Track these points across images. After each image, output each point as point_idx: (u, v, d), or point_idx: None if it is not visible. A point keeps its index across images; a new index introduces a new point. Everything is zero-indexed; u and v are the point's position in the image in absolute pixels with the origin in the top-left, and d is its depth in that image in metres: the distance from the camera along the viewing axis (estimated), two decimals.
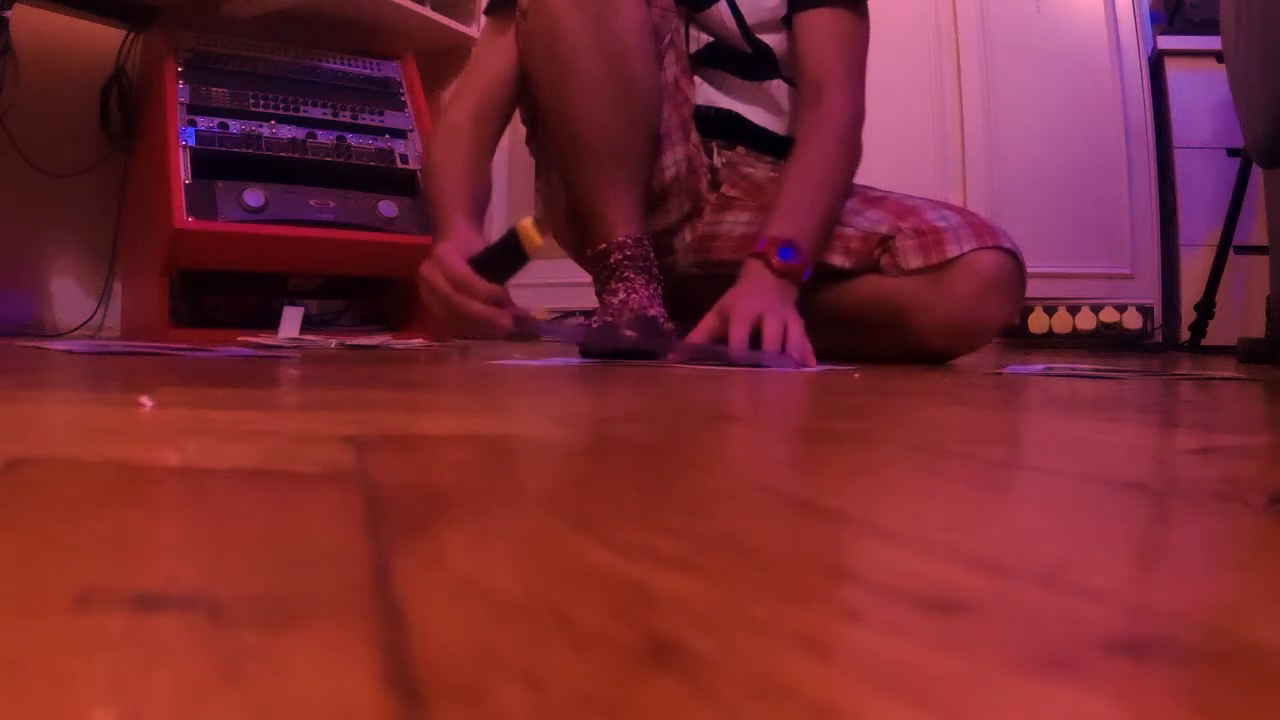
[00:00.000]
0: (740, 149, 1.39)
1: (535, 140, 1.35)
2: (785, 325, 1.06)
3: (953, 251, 1.18)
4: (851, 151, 1.26)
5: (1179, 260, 2.70)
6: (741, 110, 1.37)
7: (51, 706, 0.11)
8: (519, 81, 1.27)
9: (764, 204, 1.34)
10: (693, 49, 1.34)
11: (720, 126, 1.37)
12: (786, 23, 1.32)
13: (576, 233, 1.37)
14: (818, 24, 1.28)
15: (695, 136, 1.32)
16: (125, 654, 0.12)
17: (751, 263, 1.15)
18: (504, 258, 1.08)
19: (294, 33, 2.05)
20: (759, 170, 1.38)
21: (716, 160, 1.37)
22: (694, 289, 1.26)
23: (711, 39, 1.35)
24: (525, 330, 1.10)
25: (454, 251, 1.09)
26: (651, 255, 1.21)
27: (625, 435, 0.41)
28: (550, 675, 0.12)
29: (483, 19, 1.40)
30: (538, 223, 1.06)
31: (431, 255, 1.12)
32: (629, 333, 1.12)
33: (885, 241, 1.21)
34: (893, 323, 1.22)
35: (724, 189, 1.37)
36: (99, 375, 0.76)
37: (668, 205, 1.30)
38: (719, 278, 1.29)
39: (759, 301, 1.08)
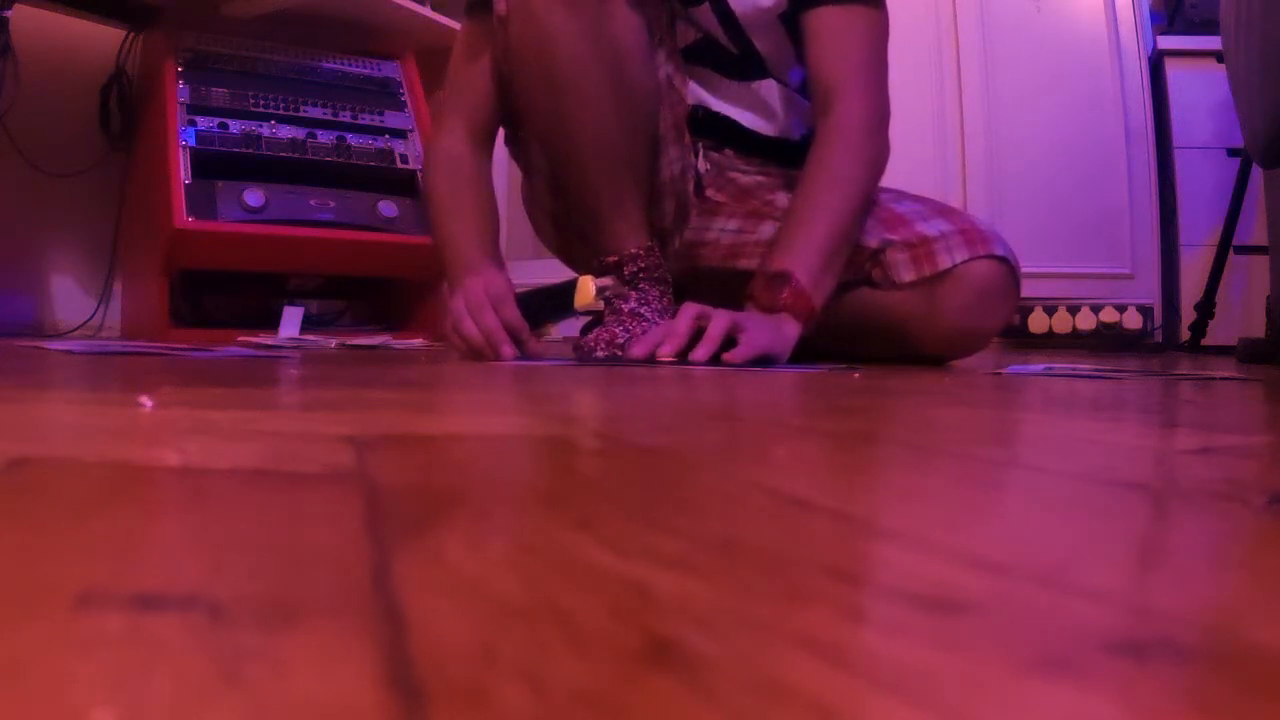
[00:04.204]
0: (728, 151, 1.35)
1: (517, 144, 1.31)
2: (729, 325, 1.01)
3: (945, 263, 1.17)
4: (866, 161, 1.17)
5: (1179, 260, 2.70)
6: (730, 112, 1.33)
7: (51, 706, 0.11)
8: (503, 88, 1.22)
9: (752, 210, 1.32)
10: (680, 44, 1.28)
11: (708, 127, 1.33)
12: (785, 20, 1.26)
13: (563, 238, 1.36)
14: (827, 23, 1.20)
15: (687, 138, 1.27)
16: (125, 654, 0.12)
17: (748, 301, 1.10)
18: (550, 302, 1.13)
19: (294, 33, 2.05)
20: (747, 175, 1.35)
21: (702, 164, 1.33)
22: (686, 292, 1.24)
23: (700, 34, 1.29)
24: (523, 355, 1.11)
25: (476, 285, 1.11)
26: (663, 262, 1.19)
27: (625, 435, 0.41)
28: (550, 675, 0.12)
29: None
30: (598, 286, 1.11)
31: (462, 287, 1.13)
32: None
33: (876, 255, 1.19)
34: (888, 332, 1.21)
35: (709, 193, 1.33)
36: (99, 375, 0.76)
37: (662, 207, 1.26)
38: (707, 282, 1.28)
39: (733, 317, 1.03)
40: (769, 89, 1.34)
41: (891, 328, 1.20)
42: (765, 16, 1.27)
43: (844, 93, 1.17)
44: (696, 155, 1.32)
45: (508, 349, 1.06)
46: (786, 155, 1.34)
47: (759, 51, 1.30)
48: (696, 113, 1.31)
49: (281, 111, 1.96)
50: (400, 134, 2.06)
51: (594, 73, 1.11)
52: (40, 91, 2.01)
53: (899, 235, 1.19)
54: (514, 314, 1.09)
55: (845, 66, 1.18)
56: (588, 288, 1.12)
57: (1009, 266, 1.20)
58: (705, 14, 1.27)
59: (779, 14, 1.26)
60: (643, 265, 1.16)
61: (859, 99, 1.17)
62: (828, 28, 1.20)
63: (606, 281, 1.14)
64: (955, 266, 1.16)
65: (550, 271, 1.70)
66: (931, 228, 1.19)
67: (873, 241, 1.19)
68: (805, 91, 1.31)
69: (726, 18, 1.27)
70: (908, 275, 1.18)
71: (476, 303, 1.09)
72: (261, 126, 1.93)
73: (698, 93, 1.32)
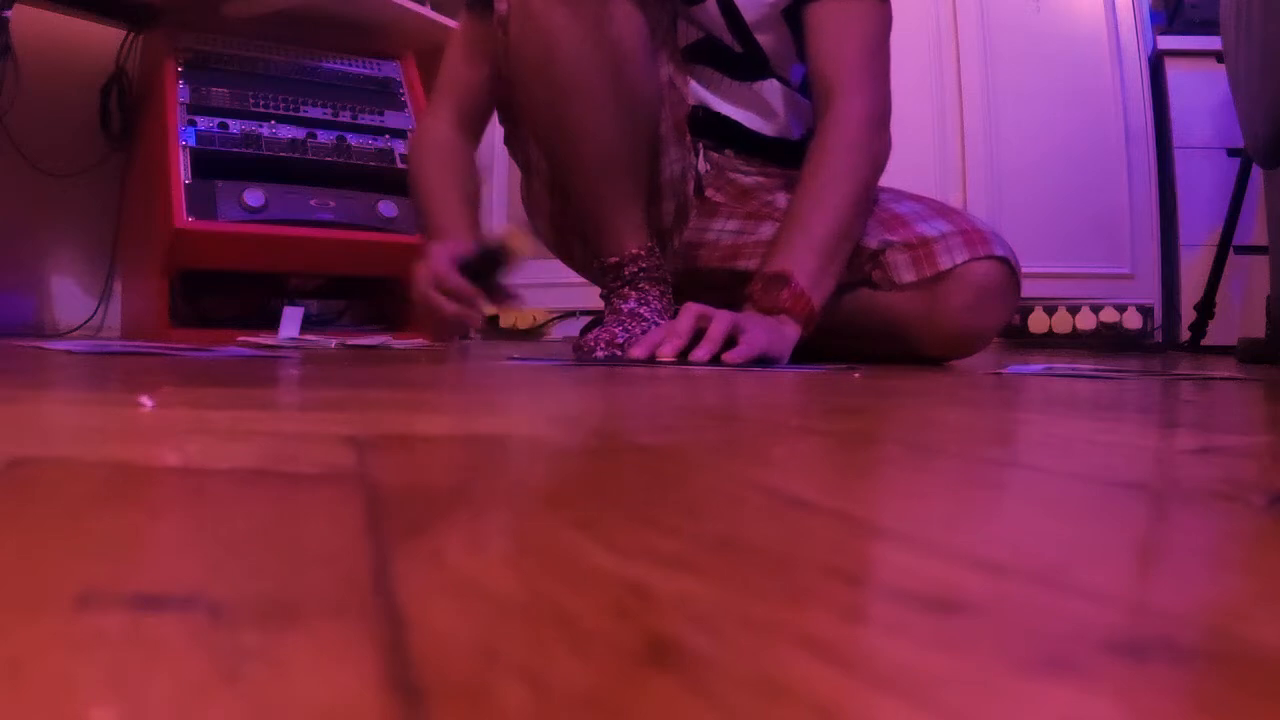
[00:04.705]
0: (728, 152, 1.35)
1: (516, 142, 1.30)
2: (731, 326, 0.99)
3: (945, 264, 1.16)
4: (867, 158, 1.15)
5: (1179, 260, 2.70)
6: (730, 113, 1.33)
7: (51, 706, 0.11)
8: (497, 84, 1.22)
9: (751, 211, 1.32)
10: (681, 43, 1.27)
11: (709, 127, 1.32)
12: (787, 16, 1.25)
13: (561, 238, 1.36)
14: (830, 17, 1.19)
15: (687, 138, 1.27)
16: (125, 654, 0.12)
17: (747, 303, 1.09)
18: (490, 262, 1.14)
19: (294, 33, 2.05)
20: (747, 175, 1.35)
21: (702, 164, 1.32)
22: (684, 292, 1.23)
23: (702, 34, 1.29)
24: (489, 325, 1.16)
25: (441, 252, 1.12)
26: (662, 262, 1.19)
27: (625, 435, 0.41)
28: (550, 675, 0.12)
29: None
30: (522, 230, 1.14)
31: (423, 254, 1.15)
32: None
33: (875, 256, 1.19)
34: (888, 333, 1.21)
35: (708, 193, 1.33)
36: (99, 375, 0.76)
37: (663, 208, 1.26)
38: (706, 282, 1.28)
39: (731, 318, 1.02)
40: (771, 89, 1.33)
41: (892, 328, 1.20)
42: (770, 13, 1.26)
43: (845, 88, 1.16)
44: (696, 155, 1.32)
45: (475, 319, 1.11)
46: (787, 155, 1.34)
47: (763, 50, 1.29)
48: (697, 113, 1.30)
49: (281, 111, 1.96)
50: (400, 134, 2.06)
51: (595, 75, 1.10)
52: (40, 91, 2.01)
53: (898, 236, 1.19)
54: (459, 285, 1.11)
55: (847, 61, 1.17)
56: (517, 239, 1.14)
57: (1009, 267, 1.20)
58: (710, 12, 1.27)
59: (782, 9, 1.25)
60: (643, 266, 1.16)
61: (860, 95, 1.16)
62: (830, 21, 1.19)
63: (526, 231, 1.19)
64: (955, 267, 1.16)
65: (551, 271, 1.70)
66: (931, 228, 1.19)
67: (872, 243, 1.19)
68: (806, 90, 1.31)
69: (732, 16, 1.27)
70: (908, 276, 1.18)
71: (428, 297, 1.12)
72: (261, 126, 1.93)
73: (698, 92, 1.32)
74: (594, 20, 1.09)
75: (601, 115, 1.12)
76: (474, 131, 1.28)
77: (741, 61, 1.31)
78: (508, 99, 1.24)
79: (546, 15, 1.09)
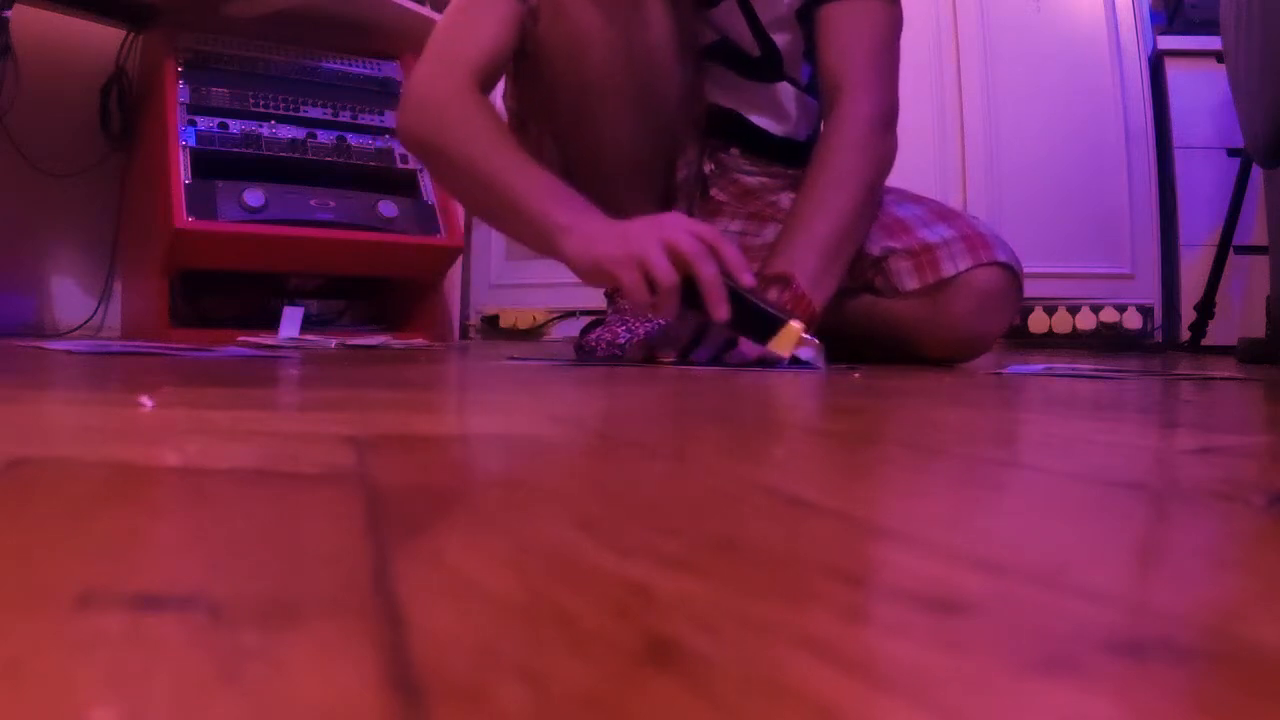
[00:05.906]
0: (734, 150, 1.35)
1: (524, 139, 1.27)
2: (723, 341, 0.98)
3: (948, 271, 1.16)
4: (872, 159, 1.14)
5: (1179, 260, 2.70)
6: (742, 111, 1.33)
7: (51, 706, 0.11)
8: (507, 63, 1.16)
9: (754, 212, 1.32)
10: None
11: (716, 125, 1.32)
12: (800, 16, 1.25)
13: None
14: (841, 17, 1.18)
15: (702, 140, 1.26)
16: (125, 654, 0.12)
17: None
18: (751, 316, 0.96)
19: (294, 33, 2.05)
20: (751, 176, 1.35)
21: (706, 164, 1.33)
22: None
23: (717, 37, 1.28)
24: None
25: (680, 225, 0.96)
26: None
27: (625, 435, 0.41)
28: (550, 675, 0.12)
29: None
30: (803, 339, 0.95)
31: (645, 218, 0.98)
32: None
33: (878, 262, 1.19)
34: (890, 337, 1.21)
35: (712, 193, 1.33)
36: (99, 375, 0.76)
37: (677, 207, 1.25)
38: None
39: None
40: (785, 91, 1.33)
41: (894, 333, 1.20)
42: (785, 13, 1.26)
43: (852, 87, 1.15)
44: (702, 155, 1.32)
45: (723, 310, 0.93)
46: (791, 155, 1.34)
47: (779, 52, 1.29)
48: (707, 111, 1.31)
49: (281, 111, 1.96)
50: None
51: (623, 77, 1.09)
52: (40, 91, 2.01)
53: (901, 243, 1.19)
54: (735, 257, 0.94)
55: (856, 61, 1.16)
56: (793, 336, 0.95)
57: (1012, 272, 1.19)
58: (730, 14, 1.26)
59: (795, 9, 1.25)
60: None
61: (867, 94, 1.15)
62: (841, 21, 1.18)
63: (811, 341, 0.97)
64: (958, 274, 1.16)
65: (551, 271, 1.70)
66: (934, 234, 1.19)
67: (875, 249, 1.19)
68: (814, 90, 1.31)
69: (752, 18, 1.26)
70: (911, 283, 1.18)
71: (690, 244, 0.93)
72: (261, 126, 1.93)
73: (710, 92, 1.32)
74: (626, 22, 1.07)
75: (626, 117, 1.11)
76: (488, 91, 1.23)
77: (758, 64, 1.30)
78: (520, 95, 1.23)
79: (578, 14, 1.07)
